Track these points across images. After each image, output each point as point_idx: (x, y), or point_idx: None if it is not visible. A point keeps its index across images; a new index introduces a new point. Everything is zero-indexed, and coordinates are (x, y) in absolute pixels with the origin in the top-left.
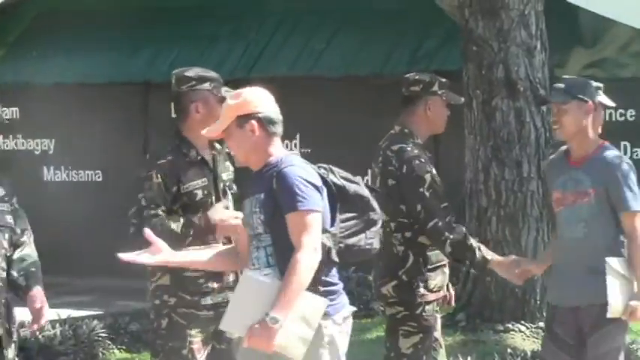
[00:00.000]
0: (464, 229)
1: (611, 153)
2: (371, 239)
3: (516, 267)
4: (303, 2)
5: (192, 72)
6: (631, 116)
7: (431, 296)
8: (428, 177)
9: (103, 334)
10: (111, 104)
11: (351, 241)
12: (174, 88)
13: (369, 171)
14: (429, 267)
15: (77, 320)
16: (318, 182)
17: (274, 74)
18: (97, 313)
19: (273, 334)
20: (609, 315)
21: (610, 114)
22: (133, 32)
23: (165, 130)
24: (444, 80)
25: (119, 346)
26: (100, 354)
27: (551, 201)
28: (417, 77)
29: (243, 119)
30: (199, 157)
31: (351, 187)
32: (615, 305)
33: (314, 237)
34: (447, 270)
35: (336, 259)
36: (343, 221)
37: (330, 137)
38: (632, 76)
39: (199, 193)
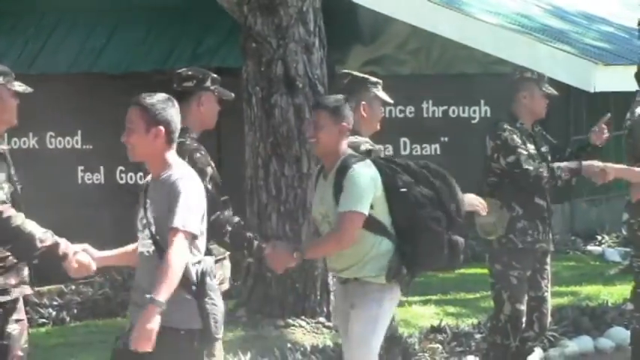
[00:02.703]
0: (239, 220)
1: None
2: None
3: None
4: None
5: None
6: (410, 113)
7: None
8: (209, 170)
9: None
10: None
11: None
12: None
13: None
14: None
15: None
16: None
17: (54, 71)
18: None
19: None
20: None
21: (390, 110)
22: None
23: None
24: (215, 76)
25: None
26: None
27: None
28: (190, 73)
29: None
30: (1, 152)
31: None
32: None
33: None
34: (227, 263)
35: None
36: None
37: (112, 134)
38: (411, 72)
39: (5, 188)
